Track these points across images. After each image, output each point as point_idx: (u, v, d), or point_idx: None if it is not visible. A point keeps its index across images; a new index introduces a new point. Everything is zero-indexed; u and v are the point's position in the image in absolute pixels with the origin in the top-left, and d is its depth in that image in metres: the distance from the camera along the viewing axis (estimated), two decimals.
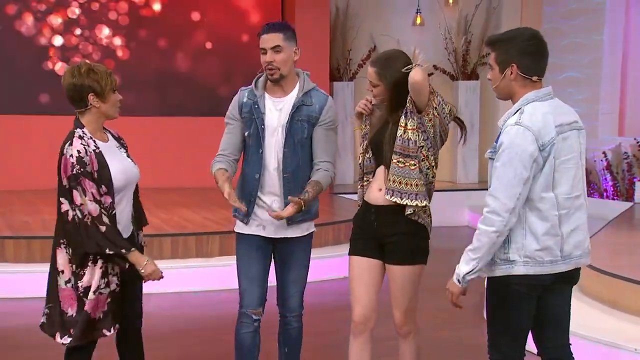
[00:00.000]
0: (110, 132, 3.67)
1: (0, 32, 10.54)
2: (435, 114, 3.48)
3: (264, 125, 3.72)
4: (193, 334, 5.50)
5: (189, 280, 6.71)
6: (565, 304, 3.25)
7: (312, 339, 5.21)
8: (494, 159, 3.07)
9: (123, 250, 3.41)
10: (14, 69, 10.57)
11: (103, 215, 3.39)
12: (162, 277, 3.52)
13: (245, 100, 3.78)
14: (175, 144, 11.01)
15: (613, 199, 10.85)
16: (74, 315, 3.46)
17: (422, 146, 3.48)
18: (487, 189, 3.09)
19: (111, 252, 3.39)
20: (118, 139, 3.69)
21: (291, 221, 3.74)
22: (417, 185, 3.47)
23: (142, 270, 3.44)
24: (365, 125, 3.72)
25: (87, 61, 3.56)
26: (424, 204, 3.49)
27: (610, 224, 8.17)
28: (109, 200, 3.44)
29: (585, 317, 5.02)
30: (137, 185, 3.71)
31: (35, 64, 10.63)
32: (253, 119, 3.74)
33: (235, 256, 3.88)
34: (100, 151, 3.46)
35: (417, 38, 11.31)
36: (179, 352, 5.13)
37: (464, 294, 3.20)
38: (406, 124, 3.45)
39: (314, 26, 11.11)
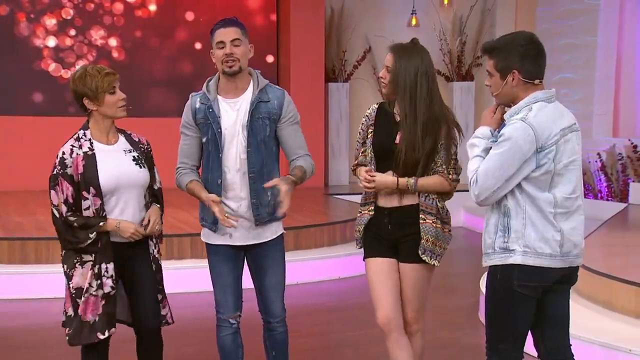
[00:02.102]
0: (129, 135, 3.62)
1: None
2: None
3: (220, 129, 3.60)
4: (190, 335, 5.50)
5: (184, 281, 6.70)
6: (565, 305, 3.25)
7: (306, 340, 5.21)
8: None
9: (100, 224, 3.38)
10: (7, 70, 10.53)
11: (69, 216, 3.40)
12: (143, 234, 3.51)
13: (198, 105, 3.68)
14: (169, 144, 10.92)
15: (607, 199, 10.88)
16: (72, 315, 3.46)
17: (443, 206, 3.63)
18: None
19: (88, 242, 3.37)
20: (136, 143, 3.61)
21: (259, 222, 3.66)
22: (442, 247, 3.58)
23: (122, 234, 3.44)
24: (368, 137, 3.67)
25: (90, 64, 3.56)
26: (437, 264, 3.59)
27: (605, 224, 8.19)
28: (99, 202, 3.42)
29: (580, 318, 5.03)
30: (149, 191, 3.66)
31: (28, 65, 10.60)
32: (209, 124, 3.62)
33: None
34: (93, 153, 3.43)
35: None
36: (175, 353, 5.12)
37: None
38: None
39: (309, 27, 11.07)
